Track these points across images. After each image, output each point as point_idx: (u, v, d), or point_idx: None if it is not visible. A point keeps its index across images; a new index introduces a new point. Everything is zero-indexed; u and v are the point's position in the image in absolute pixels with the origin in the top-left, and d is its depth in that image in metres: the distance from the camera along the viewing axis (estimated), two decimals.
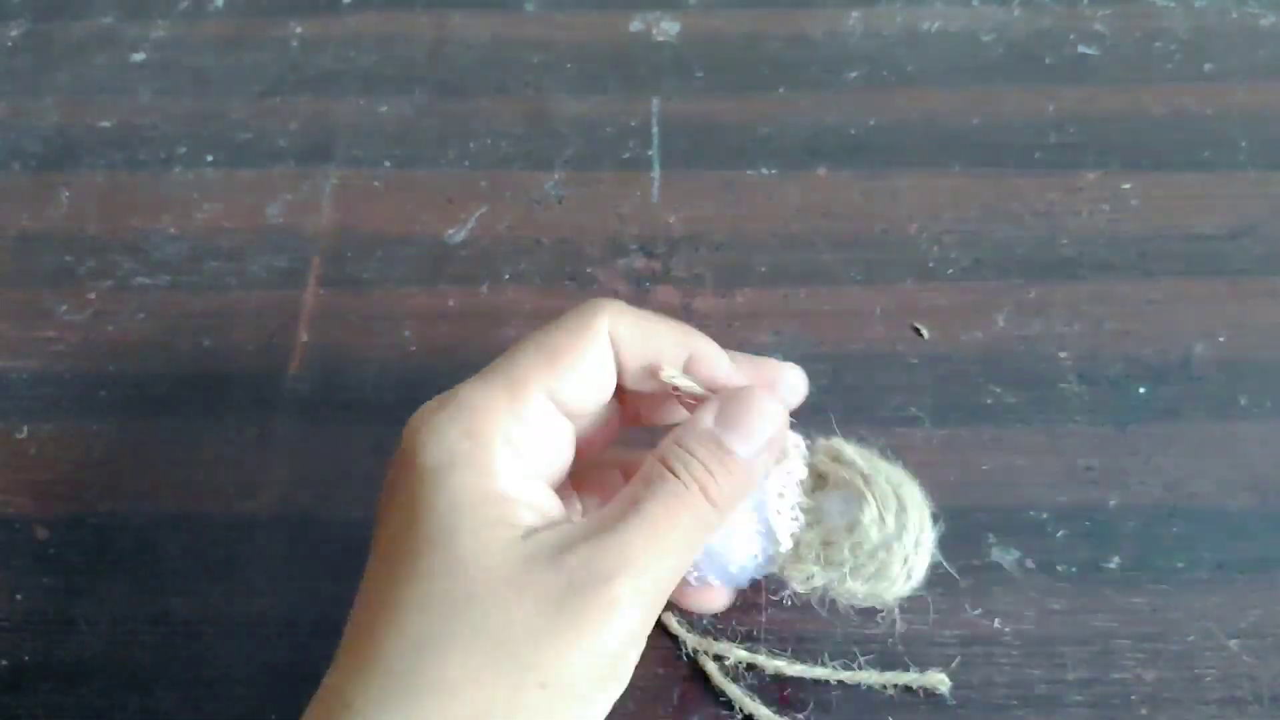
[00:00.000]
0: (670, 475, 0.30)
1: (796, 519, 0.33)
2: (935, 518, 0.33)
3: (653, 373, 0.32)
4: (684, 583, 0.34)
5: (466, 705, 0.27)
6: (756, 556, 0.34)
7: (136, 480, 0.42)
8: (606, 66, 0.54)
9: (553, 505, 0.31)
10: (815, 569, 0.33)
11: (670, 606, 0.36)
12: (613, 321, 0.32)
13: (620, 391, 0.33)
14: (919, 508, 0.33)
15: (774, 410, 0.32)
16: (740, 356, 0.34)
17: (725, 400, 0.32)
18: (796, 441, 0.34)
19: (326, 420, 0.43)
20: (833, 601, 0.34)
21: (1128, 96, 0.51)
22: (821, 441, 0.34)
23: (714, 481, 0.30)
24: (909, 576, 0.32)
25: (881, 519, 0.32)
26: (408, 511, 0.29)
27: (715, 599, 0.36)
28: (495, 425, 0.30)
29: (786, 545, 0.33)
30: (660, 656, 0.37)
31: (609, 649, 0.28)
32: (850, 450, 0.33)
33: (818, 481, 0.34)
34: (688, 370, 0.33)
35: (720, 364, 0.33)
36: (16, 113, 0.53)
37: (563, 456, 0.33)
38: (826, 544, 0.33)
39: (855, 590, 0.33)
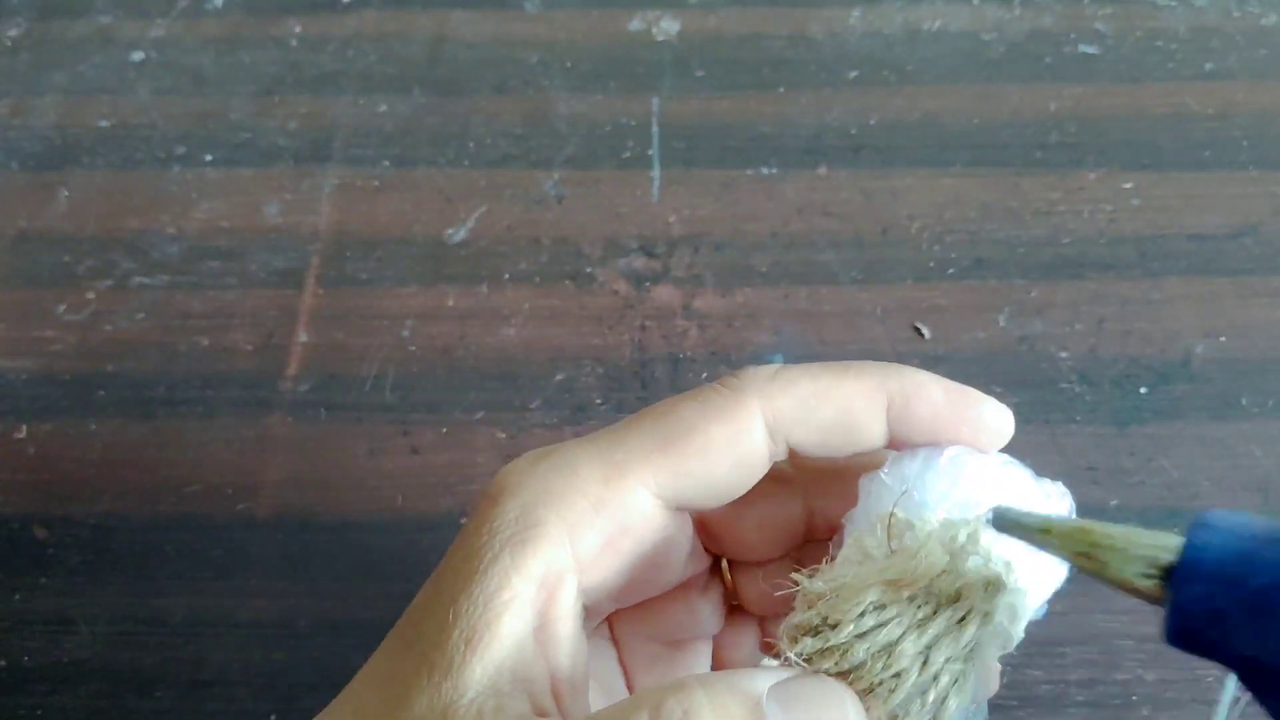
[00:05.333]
0: None
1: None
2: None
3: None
4: None
5: None
6: None
7: (135, 480, 0.42)
8: (606, 66, 0.53)
9: (567, 664, 0.23)
10: None
11: None
12: (775, 403, 0.24)
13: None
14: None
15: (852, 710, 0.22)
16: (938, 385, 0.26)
17: (792, 682, 0.22)
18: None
19: (325, 420, 0.43)
20: None
21: (1129, 96, 0.51)
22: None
23: None
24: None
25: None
26: (434, 592, 0.24)
27: None
28: (564, 514, 0.23)
29: None
30: None
31: None
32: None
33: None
34: (896, 437, 0.25)
35: (926, 407, 0.25)
36: (15, 112, 0.53)
37: (661, 570, 0.26)
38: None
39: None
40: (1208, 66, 0.52)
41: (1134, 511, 0.39)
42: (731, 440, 0.24)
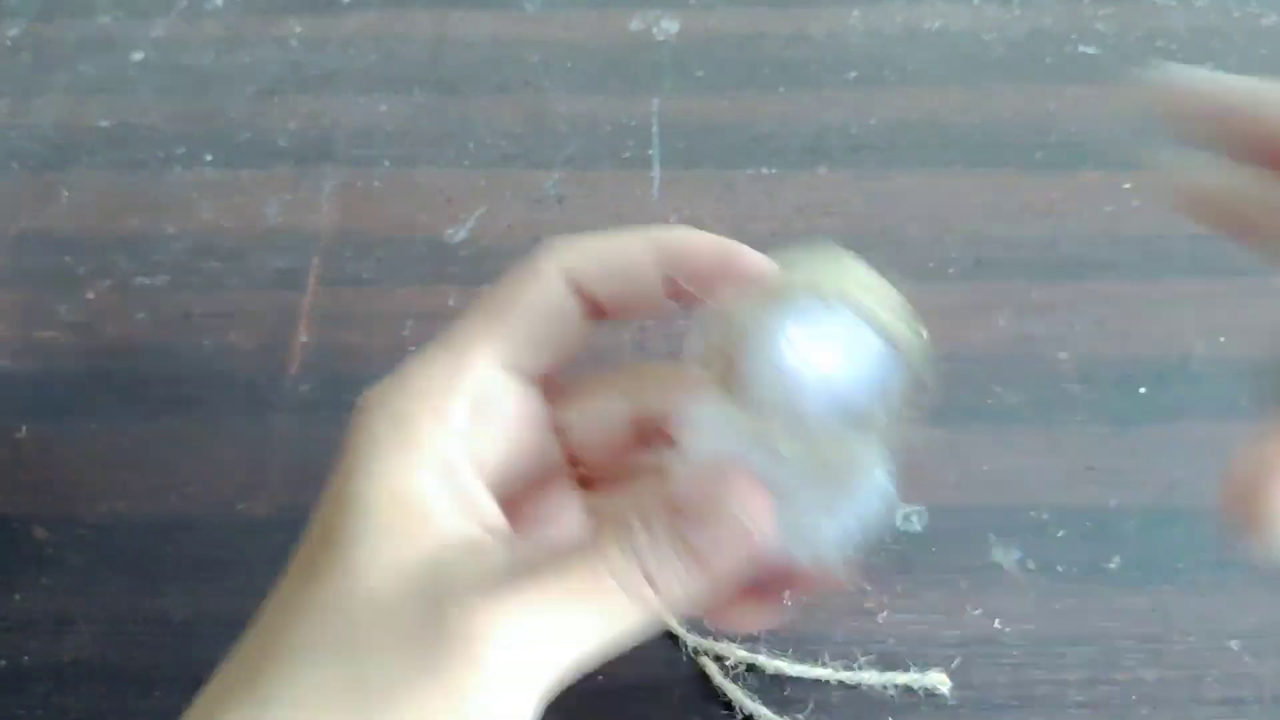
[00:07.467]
0: (601, 548, 0.25)
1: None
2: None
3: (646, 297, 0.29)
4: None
5: None
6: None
7: (135, 481, 0.42)
8: (606, 66, 0.53)
9: (488, 513, 0.27)
10: None
11: None
12: (565, 258, 0.29)
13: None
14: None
15: (750, 523, 0.26)
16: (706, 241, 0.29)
17: (696, 478, 0.26)
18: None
19: (326, 421, 0.43)
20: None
21: (1129, 95, 0.51)
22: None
23: (668, 578, 0.26)
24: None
25: None
26: (327, 501, 0.27)
27: (766, 614, 0.31)
28: (427, 404, 0.27)
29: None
30: (660, 657, 0.37)
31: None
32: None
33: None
34: (673, 288, 0.29)
35: (702, 254, 0.29)
36: (15, 112, 0.53)
37: (527, 438, 0.29)
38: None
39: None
40: (1208, 66, 0.52)
41: (1134, 511, 0.39)
42: (540, 297, 0.29)
